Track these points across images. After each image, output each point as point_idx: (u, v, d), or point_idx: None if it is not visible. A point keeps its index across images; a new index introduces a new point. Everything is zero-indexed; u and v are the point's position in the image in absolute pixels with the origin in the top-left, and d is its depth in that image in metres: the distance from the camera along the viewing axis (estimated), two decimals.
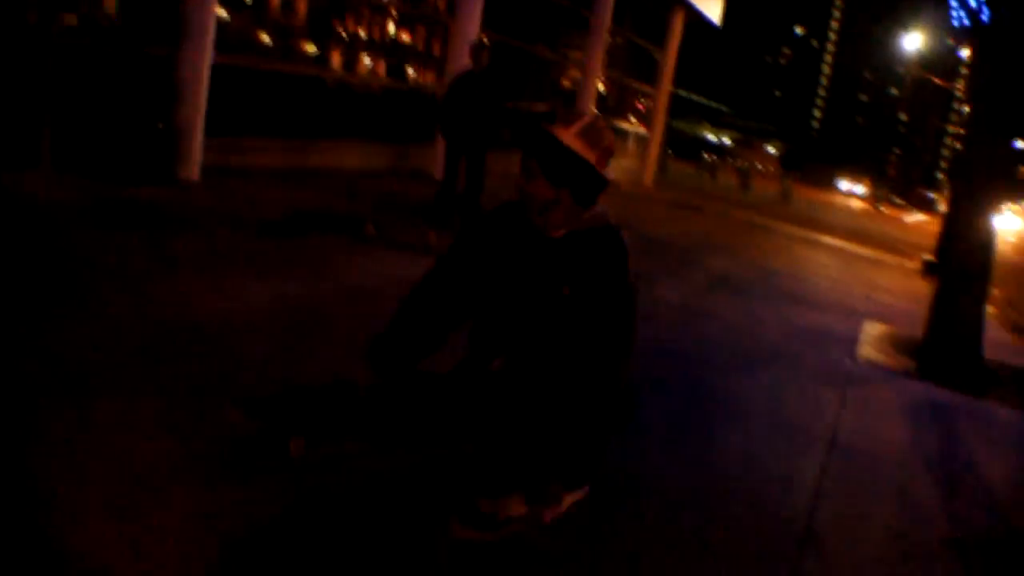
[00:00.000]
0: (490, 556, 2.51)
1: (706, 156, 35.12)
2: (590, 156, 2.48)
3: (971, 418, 5.42)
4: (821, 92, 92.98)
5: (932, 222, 54.27)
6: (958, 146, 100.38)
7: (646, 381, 4.04)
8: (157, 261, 4.91)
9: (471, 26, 10.99)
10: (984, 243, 6.63)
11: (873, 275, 12.65)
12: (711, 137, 59.38)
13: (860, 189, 45.61)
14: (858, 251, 16.57)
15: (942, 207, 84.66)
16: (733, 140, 60.63)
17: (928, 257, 14.73)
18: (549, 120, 2.50)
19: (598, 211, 2.61)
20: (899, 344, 7.15)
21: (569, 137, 2.46)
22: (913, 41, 41.56)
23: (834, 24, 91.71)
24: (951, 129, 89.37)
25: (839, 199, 45.02)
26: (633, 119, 20.68)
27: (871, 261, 15.01)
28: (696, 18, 19.80)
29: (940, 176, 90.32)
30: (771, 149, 54.09)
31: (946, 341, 6.62)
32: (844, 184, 42.90)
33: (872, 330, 7.62)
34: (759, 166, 37.09)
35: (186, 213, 6.33)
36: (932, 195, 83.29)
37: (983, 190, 6.68)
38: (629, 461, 3.34)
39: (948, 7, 7.30)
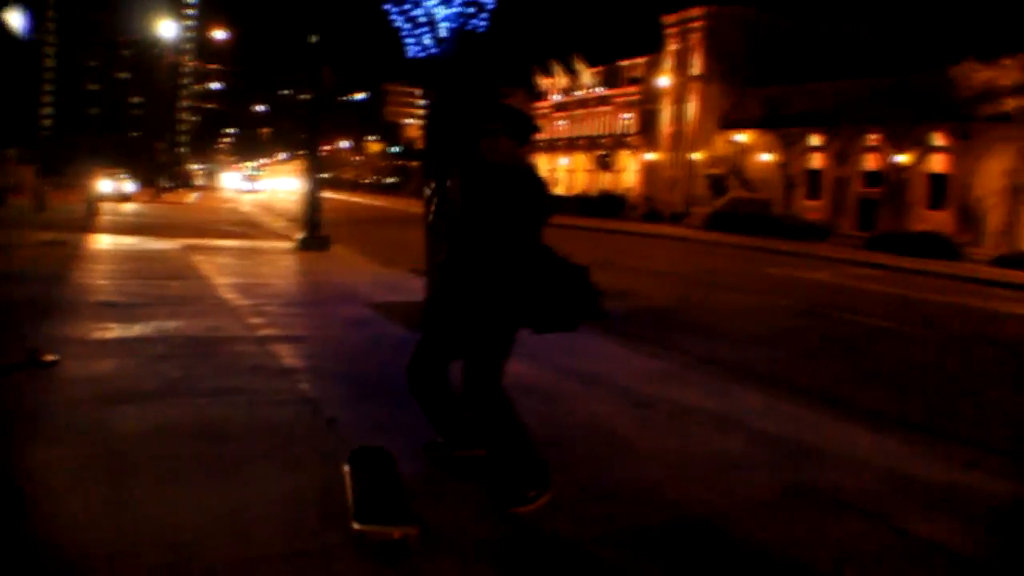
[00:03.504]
0: None
1: None
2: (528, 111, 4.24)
3: None
4: (47, 87, 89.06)
5: (208, 196, 58.20)
6: (194, 118, 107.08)
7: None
8: None
9: None
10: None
11: (280, 262, 14.70)
12: None
13: (130, 185, 44.99)
14: (231, 244, 18.38)
15: (198, 180, 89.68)
16: None
17: (300, 235, 17.14)
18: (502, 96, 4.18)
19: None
20: (410, 309, 9.32)
21: (517, 103, 4.17)
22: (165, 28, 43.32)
23: (50, 14, 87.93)
24: (186, 103, 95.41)
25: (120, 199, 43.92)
26: None
27: (254, 251, 16.91)
28: None
29: (183, 150, 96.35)
30: (13, 157, 51.23)
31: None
32: (109, 184, 40.03)
33: (384, 312, 9.65)
34: (13, 180, 34.91)
35: None
36: (186, 170, 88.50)
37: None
38: None
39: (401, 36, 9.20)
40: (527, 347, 7.53)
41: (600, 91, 71.96)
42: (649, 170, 67.44)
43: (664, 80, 59.50)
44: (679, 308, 12.78)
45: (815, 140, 52.46)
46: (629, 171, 70.97)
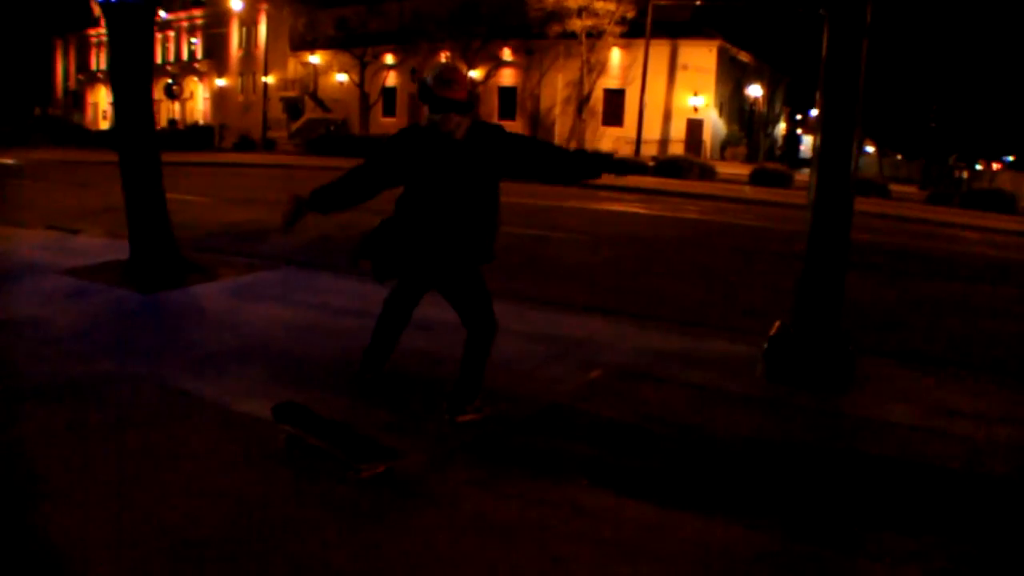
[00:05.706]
0: None
1: None
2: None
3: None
4: None
5: None
6: None
7: None
8: None
9: None
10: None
11: None
12: None
13: None
14: None
15: None
16: None
17: None
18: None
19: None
20: (115, 270, 9.39)
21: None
22: None
23: None
24: None
25: None
26: None
27: None
28: None
29: None
30: None
31: (148, 254, 9.30)
32: None
33: (90, 278, 9.46)
34: None
35: None
36: None
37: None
38: None
39: None
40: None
41: (163, 15, 68.31)
42: (219, 96, 65.92)
43: (234, 2, 57.97)
44: None
45: (390, 58, 54.70)
46: (198, 98, 68.78)
